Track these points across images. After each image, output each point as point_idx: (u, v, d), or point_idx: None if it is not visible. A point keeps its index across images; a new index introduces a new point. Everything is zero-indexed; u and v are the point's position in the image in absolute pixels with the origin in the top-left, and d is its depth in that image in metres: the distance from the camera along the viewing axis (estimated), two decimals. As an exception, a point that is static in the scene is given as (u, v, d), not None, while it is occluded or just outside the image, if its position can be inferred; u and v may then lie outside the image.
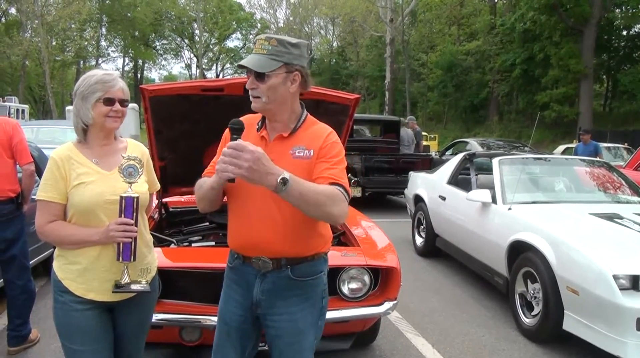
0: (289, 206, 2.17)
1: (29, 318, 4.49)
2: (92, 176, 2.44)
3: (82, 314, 2.43)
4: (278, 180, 1.97)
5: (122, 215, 2.36)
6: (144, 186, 2.57)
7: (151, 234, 2.78)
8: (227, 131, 2.42)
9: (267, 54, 2.23)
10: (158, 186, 2.83)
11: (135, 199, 2.38)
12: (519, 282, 5.19)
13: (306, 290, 2.41)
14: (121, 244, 2.37)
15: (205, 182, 2.31)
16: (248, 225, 2.31)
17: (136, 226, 2.39)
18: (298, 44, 2.30)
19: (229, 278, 2.50)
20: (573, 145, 17.18)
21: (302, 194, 2.04)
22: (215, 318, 2.62)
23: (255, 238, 2.31)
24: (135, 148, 2.65)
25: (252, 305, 2.41)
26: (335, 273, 3.63)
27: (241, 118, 2.42)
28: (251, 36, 68.41)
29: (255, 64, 2.22)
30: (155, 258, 2.75)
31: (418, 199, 8.35)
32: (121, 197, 2.37)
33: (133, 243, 2.39)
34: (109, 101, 2.44)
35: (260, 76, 2.23)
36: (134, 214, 2.38)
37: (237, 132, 2.15)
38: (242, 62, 2.25)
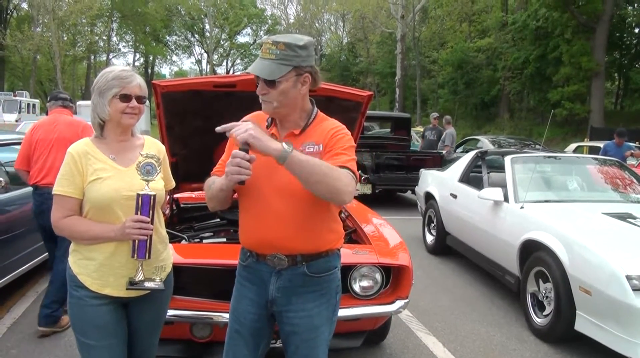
0: (303, 202, 2.24)
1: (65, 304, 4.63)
2: (108, 171, 2.44)
3: (97, 309, 2.44)
4: (283, 145, 2.04)
5: (139, 213, 2.36)
6: (160, 183, 2.57)
7: None
8: None
9: (275, 59, 2.20)
10: (174, 183, 2.83)
11: (152, 197, 2.38)
12: (531, 281, 5.17)
13: (322, 286, 2.42)
14: (136, 241, 2.37)
15: (215, 182, 2.32)
16: (262, 222, 2.31)
17: (152, 224, 2.39)
18: (306, 45, 2.26)
19: (242, 277, 2.49)
20: (584, 144, 17.05)
21: (306, 161, 2.07)
22: (226, 315, 2.61)
23: (270, 235, 2.31)
24: (153, 145, 2.65)
25: (267, 303, 2.41)
26: (347, 271, 3.62)
27: (250, 115, 2.43)
28: (262, 32, 68.39)
29: (265, 71, 2.19)
30: (171, 255, 2.75)
31: (429, 196, 8.32)
32: (138, 194, 2.37)
33: (148, 241, 2.39)
34: (126, 97, 2.44)
35: (270, 82, 2.21)
36: (150, 212, 2.38)
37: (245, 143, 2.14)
38: (249, 70, 2.23)
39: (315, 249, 2.37)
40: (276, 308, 2.41)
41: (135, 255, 2.39)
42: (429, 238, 8.23)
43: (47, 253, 5.75)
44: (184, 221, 4.92)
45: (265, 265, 2.38)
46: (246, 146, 2.11)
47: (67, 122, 4.90)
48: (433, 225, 8.10)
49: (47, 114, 5.29)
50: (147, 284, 2.46)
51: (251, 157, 2.12)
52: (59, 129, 4.78)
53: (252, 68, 2.22)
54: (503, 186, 6.11)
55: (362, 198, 6.92)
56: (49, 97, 5.33)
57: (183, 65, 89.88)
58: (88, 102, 3.73)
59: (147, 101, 2.70)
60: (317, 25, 61.60)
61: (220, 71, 66.86)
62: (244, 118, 2.43)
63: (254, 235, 2.37)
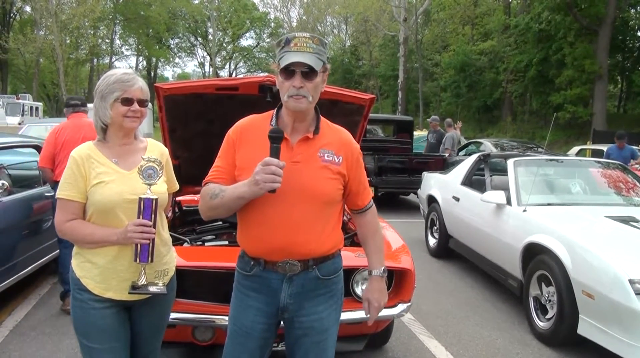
0: (322, 206, 2.27)
1: None
2: (111, 175, 2.44)
3: (100, 312, 2.44)
4: (380, 276, 2.55)
5: (141, 217, 2.36)
6: (163, 186, 2.57)
7: None
8: (231, 132, 2.41)
9: (313, 53, 2.20)
10: (177, 186, 2.82)
11: (154, 201, 2.38)
12: (534, 285, 5.15)
13: (330, 288, 2.42)
14: (139, 245, 2.36)
15: (225, 191, 2.23)
16: (278, 228, 2.26)
17: (154, 227, 2.39)
18: (326, 44, 2.31)
19: (244, 286, 2.41)
20: (587, 147, 17.04)
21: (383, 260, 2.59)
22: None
23: (283, 242, 2.26)
24: (155, 148, 2.65)
25: (277, 311, 2.37)
26: (349, 274, 3.61)
27: (247, 118, 2.42)
28: (264, 35, 68.51)
29: (312, 62, 2.18)
30: (174, 258, 2.74)
31: (431, 199, 8.32)
32: (140, 198, 2.36)
33: (151, 245, 2.38)
34: (127, 101, 2.44)
35: (309, 75, 2.20)
36: (152, 216, 2.37)
37: (278, 141, 2.15)
38: (301, 60, 2.17)
39: (327, 251, 2.36)
40: (287, 314, 2.38)
41: (138, 259, 2.38)
42: (432, 241, 8.22)
43: (49, 256, 5.78)
44: (186, 224, 4.91)
45: (274, 272, 2.33)
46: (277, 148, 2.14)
47: (90, 124, 5.22)
48: (435, 228, 8.10)
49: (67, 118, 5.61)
50: (150, 288, 2.46)
51: (283, 164, 2.11)
52: (84, 130, 5.25)
53: (302, 58, 2.17)
54: (506, 189, 6.10)
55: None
56: (66, 103, 5.78)
57: (186, 67, 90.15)
58: (90, 106, 3.75)
59: (150, 104, 2.70)
60: (319, 28, 61.65)
61: (223, 73, 66.92)
62: (244, 119, 2.43)
63: (266, 243, 2.29)
